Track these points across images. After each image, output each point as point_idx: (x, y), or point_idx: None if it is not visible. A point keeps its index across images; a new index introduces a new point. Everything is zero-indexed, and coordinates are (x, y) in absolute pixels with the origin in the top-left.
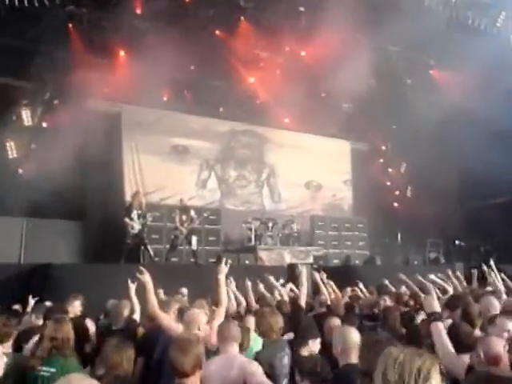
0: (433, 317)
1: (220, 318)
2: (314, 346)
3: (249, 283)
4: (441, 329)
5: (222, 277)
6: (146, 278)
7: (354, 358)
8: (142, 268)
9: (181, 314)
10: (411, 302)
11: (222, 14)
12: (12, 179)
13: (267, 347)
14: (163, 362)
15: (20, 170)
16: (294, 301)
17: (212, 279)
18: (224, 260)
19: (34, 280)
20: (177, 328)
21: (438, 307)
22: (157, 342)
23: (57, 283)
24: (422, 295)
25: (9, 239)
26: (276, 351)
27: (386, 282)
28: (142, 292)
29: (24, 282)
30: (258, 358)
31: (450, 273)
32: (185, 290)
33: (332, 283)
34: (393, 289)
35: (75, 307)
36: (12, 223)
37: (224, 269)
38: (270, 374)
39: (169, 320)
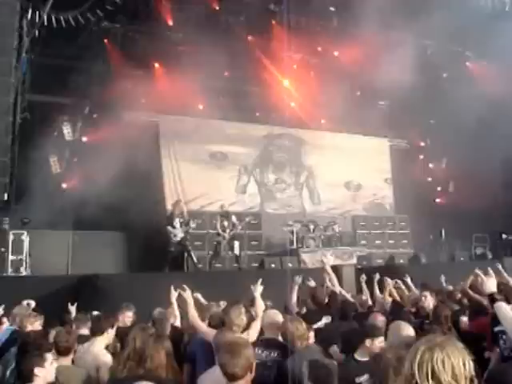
0: (494, 297)
1: (255, 330)
2: (373, 345)
3: (298, 280)
4: (507, 309)
5: (257, 295)
6: (188, 294)
7: None
8: (184, 286)
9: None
10: (464, 301)
11: (252, 20)
12: (57, 194)
13: (294, 354)
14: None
15: (64, 185)
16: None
17: (255, 284)
18: (260, 280)
19: (81, 291)
20: (211, 332)
21: (495, 289)
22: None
23: (104, 293)
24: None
25: (57, 252)
26: (300, 359)
27: (443, 278)
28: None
29: (72, 292)
30: (282, 364)
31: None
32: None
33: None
34: (450, 287)
35: (126, 317)
36: (59, 237)
37: (259, 288)
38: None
39: (206, 327)
